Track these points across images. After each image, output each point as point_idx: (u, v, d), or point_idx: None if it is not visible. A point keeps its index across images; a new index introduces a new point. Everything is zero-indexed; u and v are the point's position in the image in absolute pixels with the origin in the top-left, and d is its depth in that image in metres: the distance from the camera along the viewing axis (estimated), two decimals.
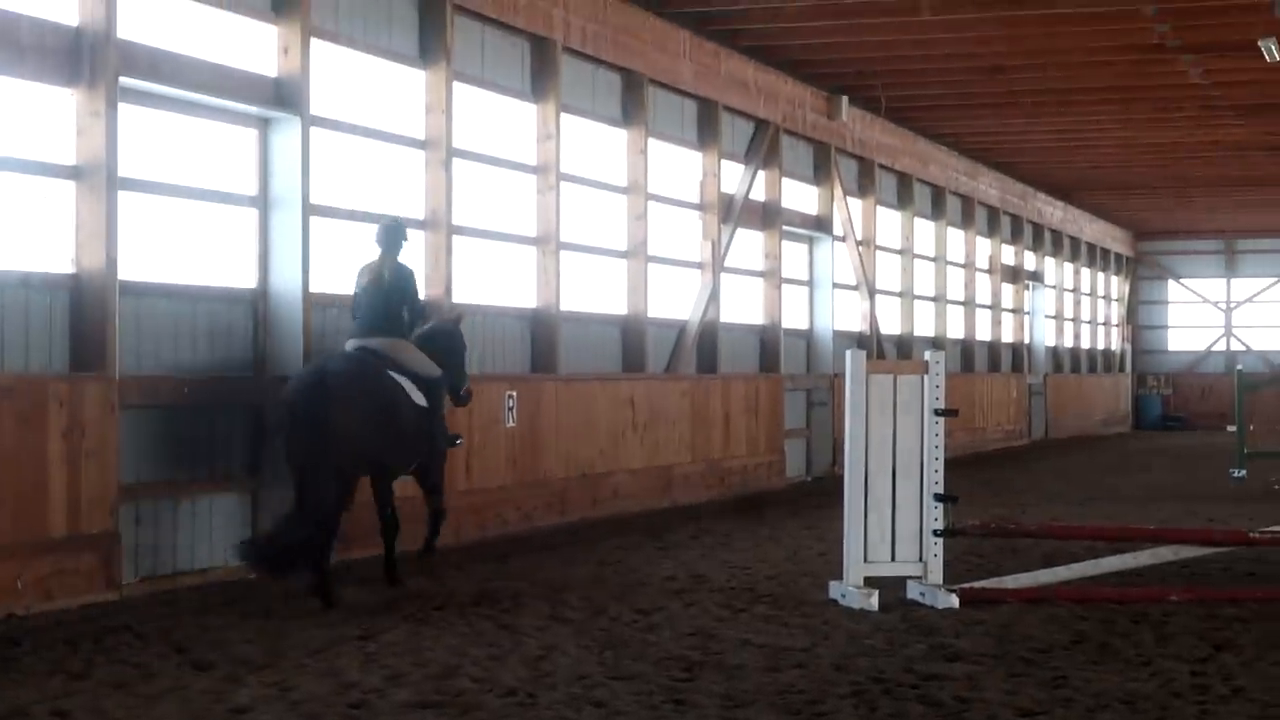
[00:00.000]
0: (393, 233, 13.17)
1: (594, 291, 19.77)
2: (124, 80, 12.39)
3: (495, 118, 17.78)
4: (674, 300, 21.64)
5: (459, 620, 11.15)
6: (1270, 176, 37.24)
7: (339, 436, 11.83)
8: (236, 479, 13.58)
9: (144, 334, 12.86)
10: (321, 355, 13.31)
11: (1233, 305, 52.10)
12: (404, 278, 13.07)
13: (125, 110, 12.47)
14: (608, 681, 9.06)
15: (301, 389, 11.96)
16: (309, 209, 14.27)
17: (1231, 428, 30.24)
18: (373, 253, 13.26)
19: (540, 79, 18.23)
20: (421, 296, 13.60)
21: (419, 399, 12.82)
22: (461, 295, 16.74)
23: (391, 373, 12.60)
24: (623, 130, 20.23)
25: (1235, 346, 51.67)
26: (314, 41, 14.51)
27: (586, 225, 19.49)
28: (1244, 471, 26.42)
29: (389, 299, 12.93)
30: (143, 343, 12.83)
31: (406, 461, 13.00)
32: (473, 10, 16.91)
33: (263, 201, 14.18)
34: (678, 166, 21.85)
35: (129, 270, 12.57)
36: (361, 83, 15.66)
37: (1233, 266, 52.07)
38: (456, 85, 16.60)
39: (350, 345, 12.82)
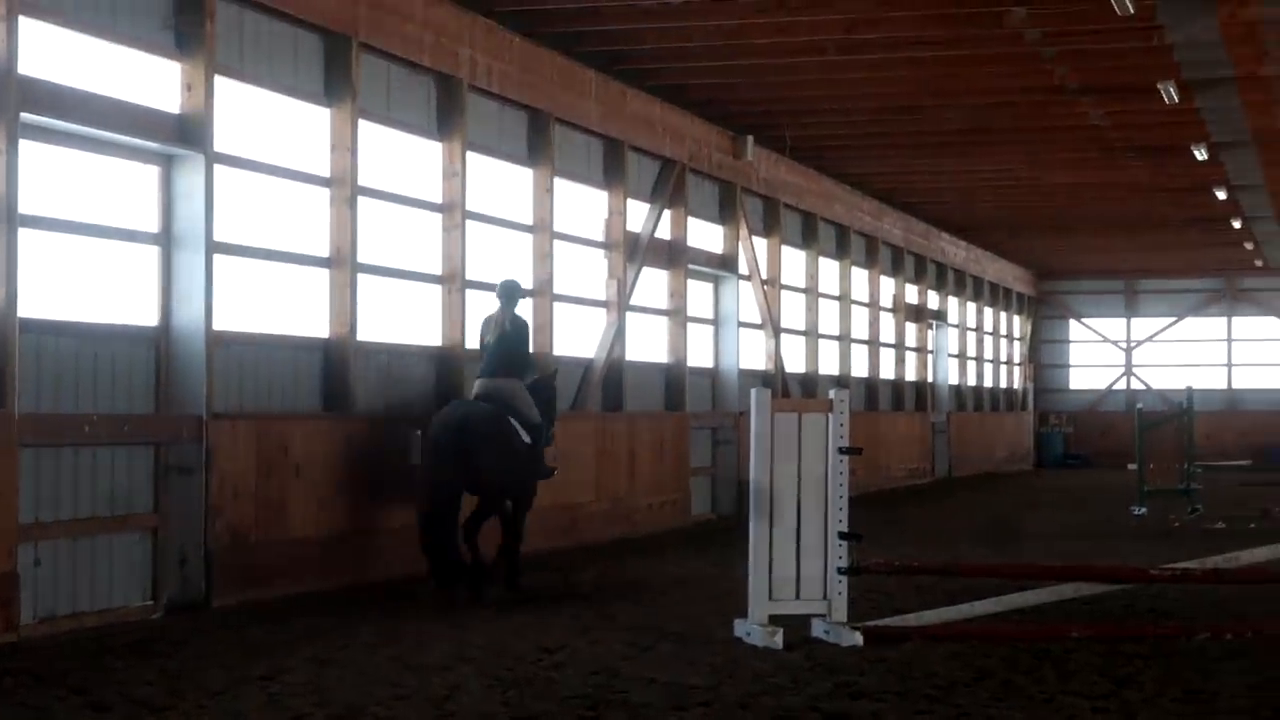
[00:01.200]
0: (511, 290, 15.89)
1: None
2: (25, 116, 12.27)
3: (401, 155, 17.74)
4: (580, 338, 21.63)
5: (363, 660, 11.08)
6: (1170, 218, 37.64)
7: (477, 467, 14.68)
8: (138, 518, 13.46)
9: (44, 372, 12.71)
10: (458, 400, 16.01)
11: (1133, 344, 52.62)
12: (521, 329, 15.72)
13: (26, 147, 12.35)
14: None
15: (448, 426, 14.70)
16: (213, 246, 14.17)
17: (1132, 466, 30.52)
18: (492, 306, 16.00)
19: (446, 117, 18.21)
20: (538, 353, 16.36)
21: (525, 438, 15.34)
22: (367, 334, 16.67)
23: (511, 419, 15.20)
24: (528, 169, 20.23)
25: (1135, 385, 52.15)
26: (218, 78, 14.42)
27: (492, 264, 19.44)
28: (1144, 509, 26.66)
29: (510, 346, 15.53)
30: (43, 381, 12.68)
31: (514, 491, 15.55)
32: (379, 49, 16.88)
33: (165, 239, 14.07)
34: (584, 205, 21.87)
35: (29, 308, 12.42)
36: (266, 120, 15.59)
37: (1133, 306, 52.60)
38: (362, 123, 16.55)
39: (479, 385, 15.47)
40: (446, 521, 14.51)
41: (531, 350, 15.88)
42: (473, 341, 18.38)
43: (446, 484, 14.50)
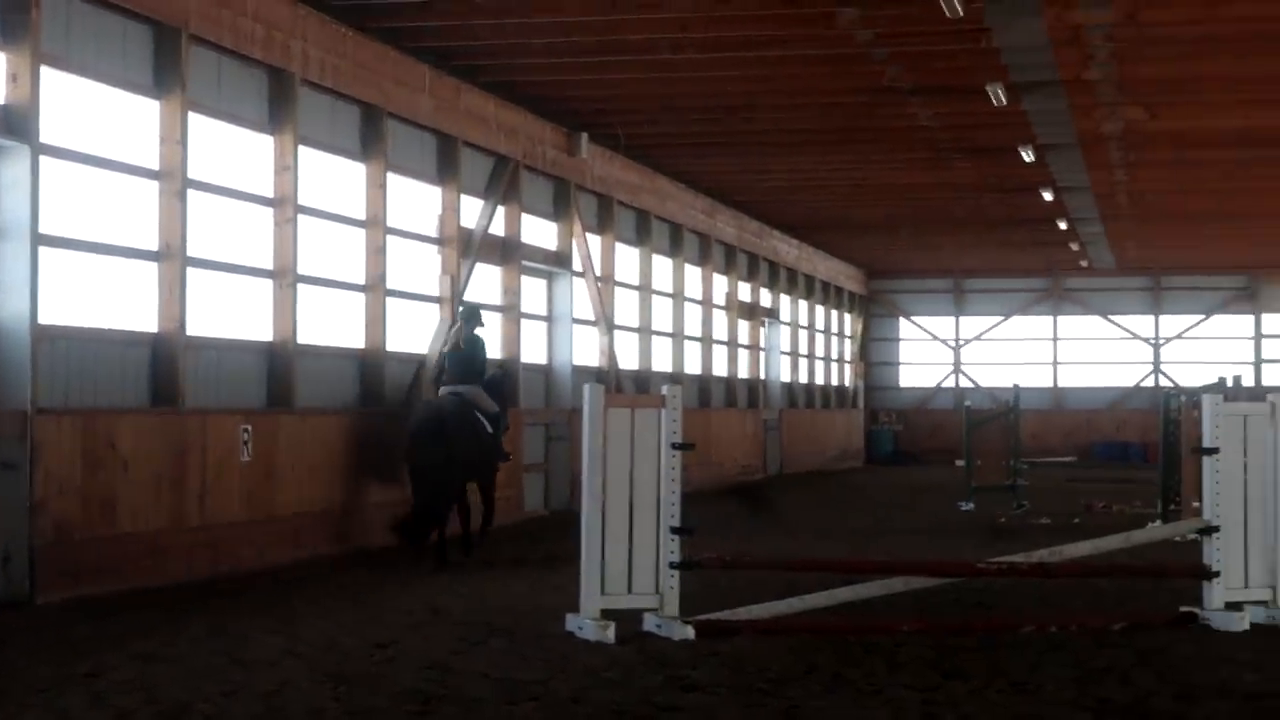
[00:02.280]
0: (472, 313, 19.02)
1: (332, 325, 19.60)
2: None
3: (232, 149, 17.56)
4: (413, 334, 21.53)
5: (191, 656, 10.96)
6: (997, 218, 38.13)
7: (452, 456, 17.51)
8: None
9: None
10: (433, 400, 18.69)
11: (961, 343, 53.31)
12: (478, 345, 18.80)
13: None
14: (343, 717, 8.96)
15: (427, 423, 17.72)
16: (38, 239, 13.95)
17: (960, 462, 30.93)
18: (452, 324, 19.62)
19: (278, 111, 18.05)
20: (489, 357, 19.39)
21: (488, 428, 18.43)
22: (196, 328, 16.49)
23: (476, 412, 18.25)
24: (361, 164, 20.10)
25: (964, 383, 52.82)
26: (44, 69, 14.19)
27: (324, 258, 19.32)
28: (972, 504, 27.05)
29: (467, 358, 18.59)
30: None
31: (483, 472, 18.60)
32: (209, 41, 16.69)
33: None
34: (417, 201, 21.77)
35: None
36: (95, 112, 15.36)
37: (962, 305, 53.27)
38: (192, 116, 16.36)
39: (444, 390, 18.45)
40: (440, 498, 17.42)
41: (487, 358, 19.13)
42: (303, 337, 18.36)
43: (436, 466, 17.33)
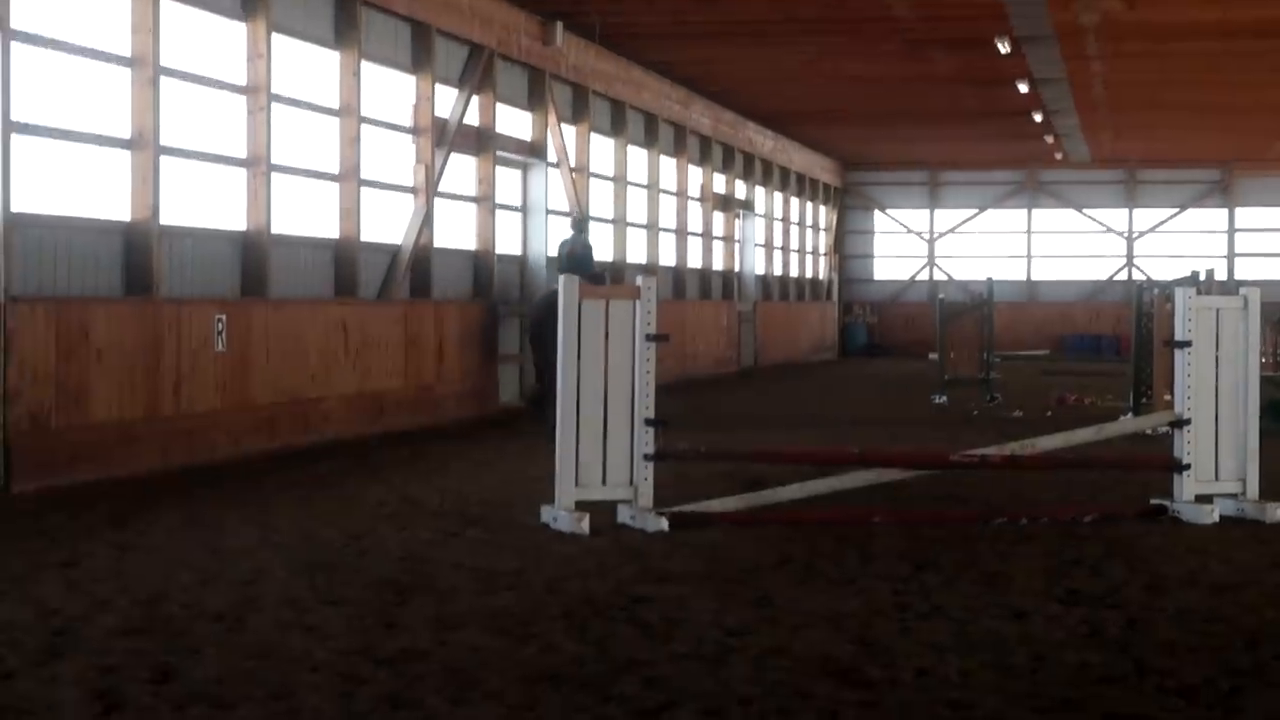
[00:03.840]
0: (580, 223, 24.17)
1: (306, 215, 19.54)
2: None
3: (205, 37, 17.43)
4: (387, 225, 21.48)
5: (166, 545, 10.99)
6: (974, 110, 38.04)
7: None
8: None
9: None
10: (552, 290, 18.92)
11: (936, 236, 53.31)
12: (585, 246, 23.25)
13: None
14: (318, 606, 9.00)
15: (550, 309, 17.59)
16: (10, 126, 13.86)
17: (933, 355, 31.03)
18: (565, 231, 24.54)
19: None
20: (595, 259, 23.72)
21: None
22: (170, 217, 16.43)
23: None
24: (335, 52, 19.98)
25: (938, 276, 52.88)
26: None
27: (298, 148, 19.24)
28: (945, 398, 27.15)
29: (577, 258, 22.47)
30: None
31: None
32: None
33: None
34: (391, 90, 21.65)
35: None
36: None
37: (936, 198, 53.24)
38: (164, 3, 16.22)
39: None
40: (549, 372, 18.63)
41: (595, 262, 23.54)
42: (277, 226, 18.33)
43: (545, 351, 18.85)
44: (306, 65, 19.49)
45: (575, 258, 22.59)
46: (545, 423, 18.10)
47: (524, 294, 26.05)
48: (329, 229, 19.98)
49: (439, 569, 10.22)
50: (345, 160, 20.02)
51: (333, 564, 10.37)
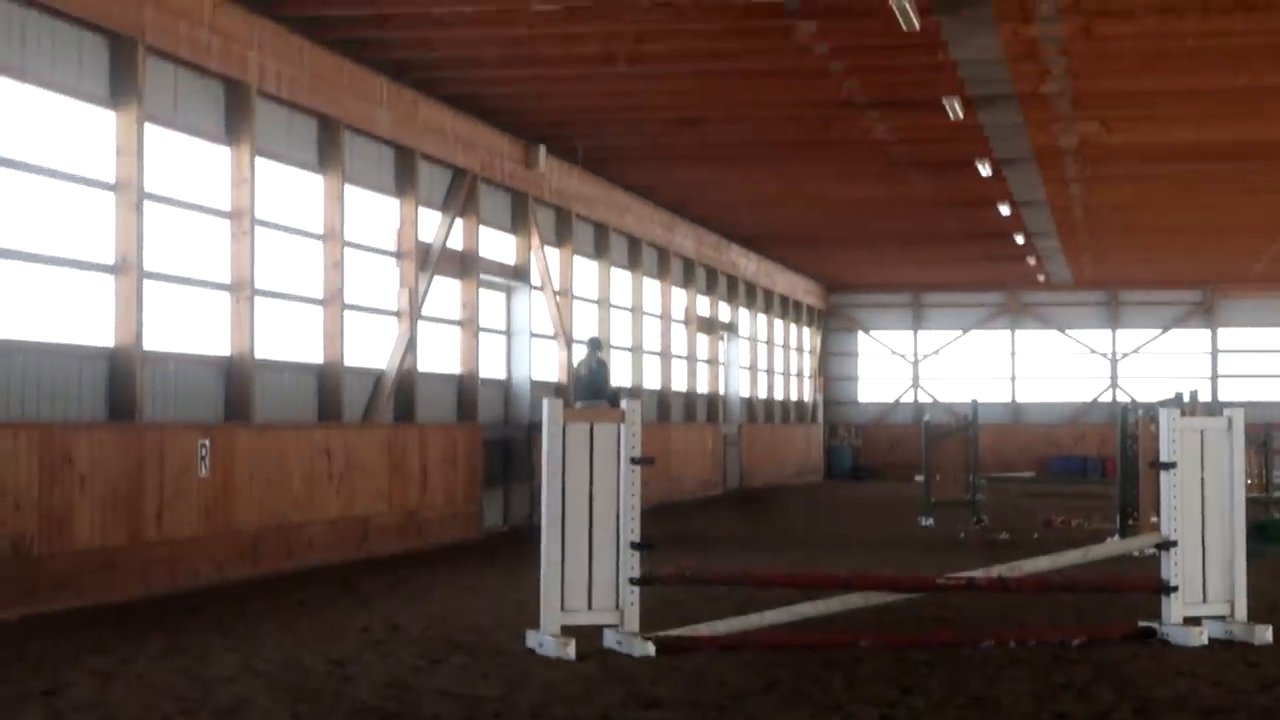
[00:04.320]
0: (595, 343, 26.20)
1: (290, 339, 19.58)
2: None
3: (188, 161, 17.53)
4: (371, 349, 21.52)
5: (148, 673, 10.92)
6: (956, 232, 38.24)
7: None
8: None
9: None
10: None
11: (920, 357, 53.46)
12: (602, 368, 25.21)
13: None
14: None
15: None
16: None
17: (919, 477, 31.03)
18: (580, 352, 26.69)
19: (235, 122, 18.03)
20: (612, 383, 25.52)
21: None
22: (154, 342, 16.45)
23: None
24: (319, 176, 20.09)
25: (922, 398, 52.98)
26: None
27: (282, 272, 19.30)
28: (931, 520, 27.11)
29: (596, 380, 24.56)
30: None
31: None
32: (165, 52, 16.66)
33: None
34: (375, 214, 21.76)
35: None
36: (50, 122, 15.31)
37: (920, 319, 53.44)
38: (149, 127, 16.34)
39: (579, 405, 22.25)
40: None
41: (609, 381, 25.54)
42: (261, 351, 18.36)
43: None
44: (290, 189, 19.60)
45: (592, 378, 24.70)
46: None
47: (508, 417, 26.06)
48: (313, 353, 20.02)
49: (423, 696, 10.16)
50: (329, 284, 20.09)
51: (316, 691, 10.30)
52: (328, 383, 20.10)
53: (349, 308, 20.50)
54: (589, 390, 24.37)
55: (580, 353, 27.40)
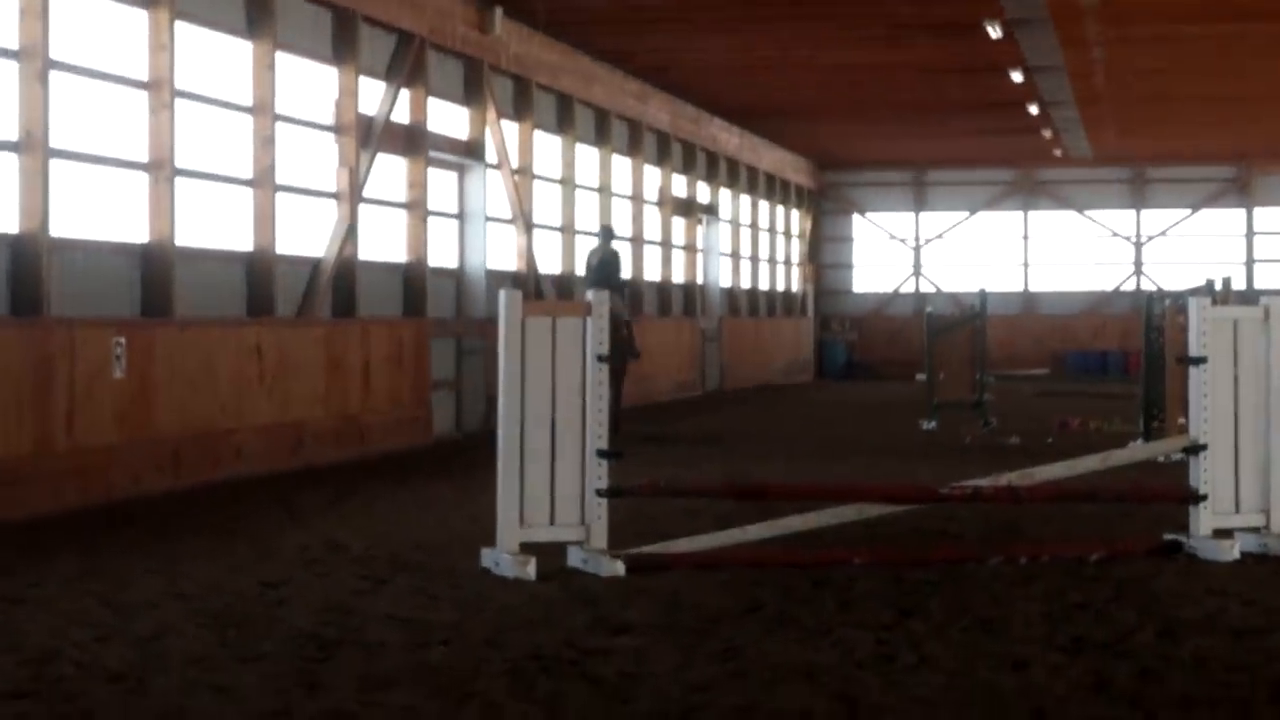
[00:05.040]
0: (607, 232, 26.98)
1: (215, 224, 19.50)
2: None
3: (102, 26, 17.38)
4: (307, 235, 21.44)
5: (59, 598, 10.91)
6: (963, 102, 38.17)
7: (617, 354, 20.71)
8: None
9: None
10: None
11: (922, 242, 53.46)
12: (613, 258, 26.47)
13: None
14: (230, 664, 8.94)
15: None
16: None
17: (921, 376, 31.09)
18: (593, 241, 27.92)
19: None
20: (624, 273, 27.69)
21: (624, 330, 24.41)
22: (62, 227, 16.35)
23: (615, 314, 22.48)
24: (247, 42, 19.94)
25: (924, 287, 53.05)
26: None
27: (206, 149, 19.19)
28: (934, 423, 27.20)
29: (607, 269, 25.87)
30: None
31: (618, 364, 23.48)
32: None
33: None
34: (311, 84, 21.63)
35: None
36: None
37: (922, 200, 53.42)
38: None
39: (589, 294, 21.99)
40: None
41: (622, 274, 27.06)
42: (183, 238, 18.29)
43: None
44: (215, 57, 19.45)
45: (605, 268, 25.80)
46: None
47: (461, 311, 26.03)
48: (241, 240, 19.94)
49: (366, 621, 10.17)
50: (259, 163, 19.97)
51: (247, 616, 10.30)
52: (258, 273, 20.02)
53: (281, 189, 20.40)
54: (601, 278, 25.09)
55: (588, 243, 28.73)
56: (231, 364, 18.82)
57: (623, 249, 29.83)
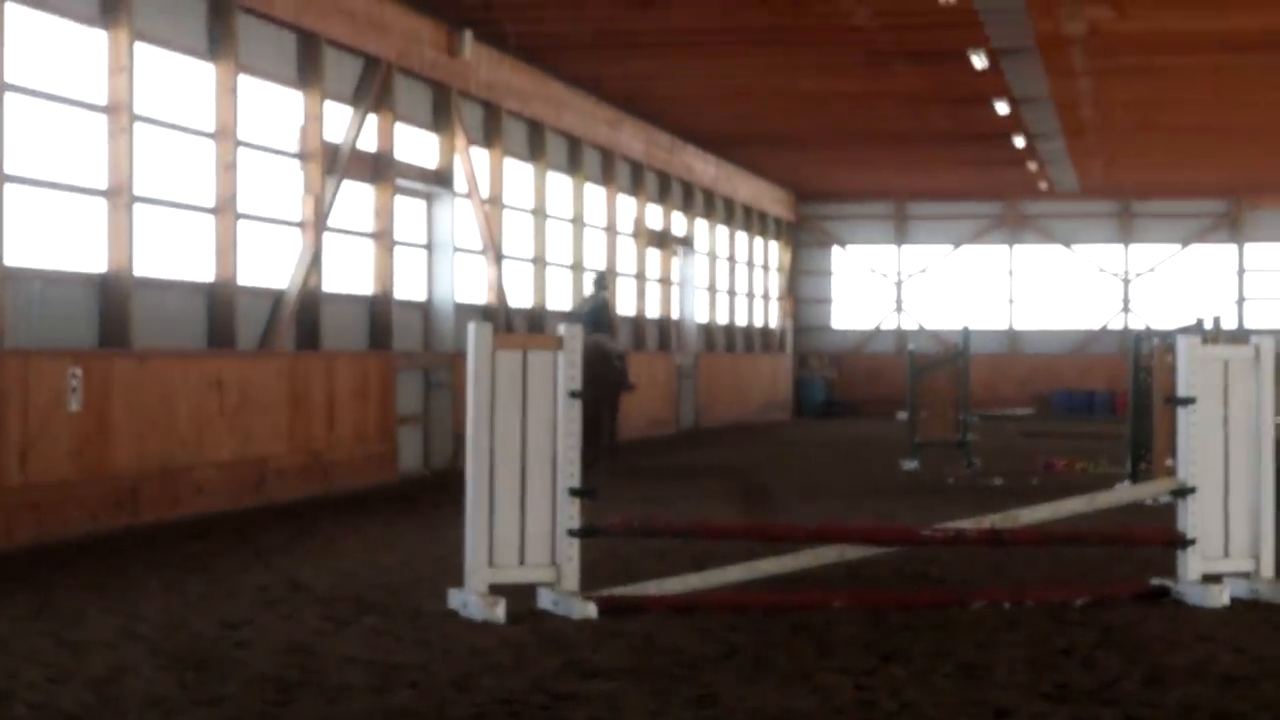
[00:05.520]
0: (600, 281, 27.78)
1: (175, 253, 19.50)
2: None
3: (58, 47, 17.39)
4: (270, 265, 21.45)
5: (12, 637, 10.90)
6: (947, 133, 38.26)
7: (599, 392, 23.58)
8: None
9: None
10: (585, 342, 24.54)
11: (904, 277, 53.52)
12: (603, 304, 27.31)
13: None
14: (188, 707, 8.95)
15: (589, 354, 22.01)
16: None
17: (902, 415, 31.11)
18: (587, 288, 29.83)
19: (111, 2, 17.89)
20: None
21: (617, 364, 26.33)
22: (17, 256, 16.36)
23: (607, 352, 25.86)
24: (209, 64, 19.96)
25: (906, 324, 53.10)
26: None
27: (167, 175, 19.20)
28: (915, 463, 27.22)
29: (597, 314, 26.69)
30: None
31: (613, 401, 26.56)
32: None
33: None
34: (275, 109, 21.66)
35: None
36: None
37: (904, 233, 53.47)
38: (10, 8, 16.20)
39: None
40: (591, 425, 21.84)
41: (613, 313, 28.98)
42: (141, 267, 18.29)
43: (587, 402, 23.31)
44: (176, 80, 19.47)
45: (595, 314, 26.75)
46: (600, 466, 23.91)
47: (429, 344, 26.04)
48: (202, 270, 19.94)
49: (329, 663, 10.17)
50: (221, 190, 19.98)
51: (206, 659, 10.30)
52: (219, 304, 20.02)
53: (244, 217, 20.41)
54: (593, 321, 25.99)
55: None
56: (192, 397, 18.82)
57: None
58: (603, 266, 32.16)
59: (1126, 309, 52.15)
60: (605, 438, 26.05)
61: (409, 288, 25.62)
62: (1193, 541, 12.93)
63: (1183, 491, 13.02)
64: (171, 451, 18.38)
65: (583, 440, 24.20)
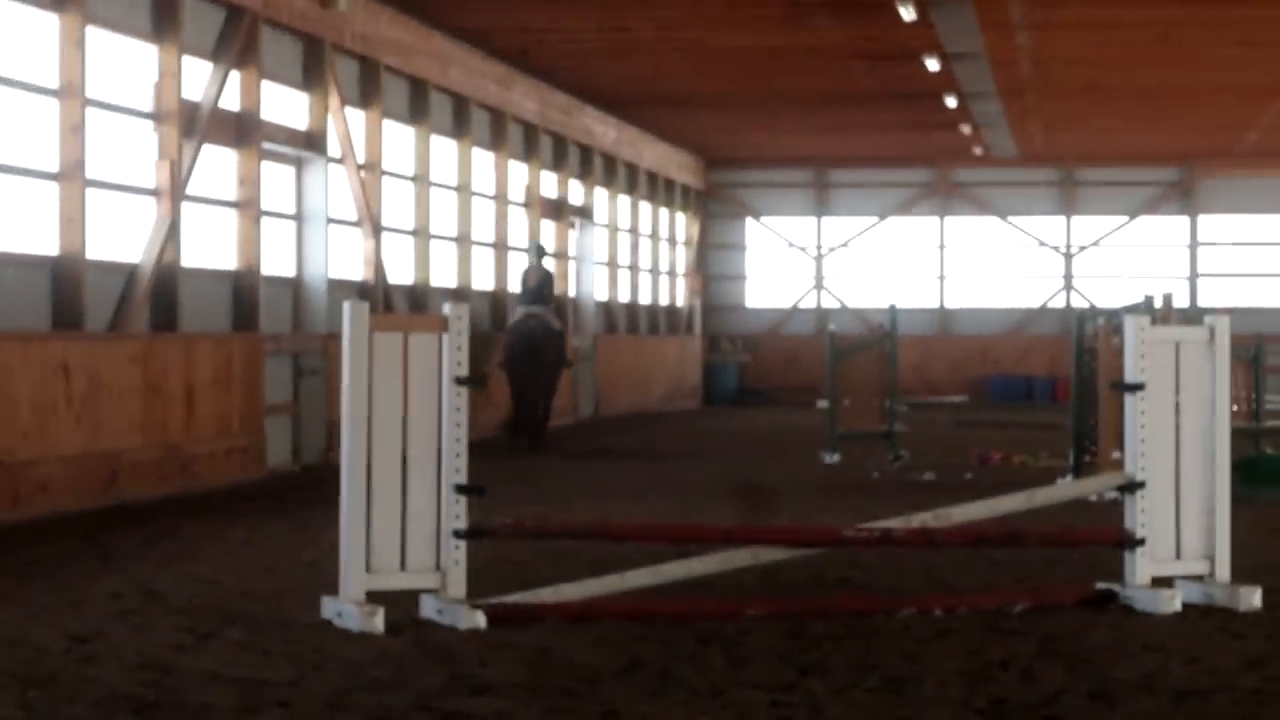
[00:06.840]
0: (539, 250, 30.33)
1: (15, 225, 19.38)
2: None
3: None
4: (122, 237, 21.34)
5: None
6: (871, 92, 38.36)
7: (541, 366, 28.49)
8: None
9: None
10: (521, 324, 29.05)
11: (824, 251, 53.66)
12: (547, 277, 29.84)
13: None
14: None
15: (523, 343, 28.61)
16: None
17: (823, 403, 31.21)
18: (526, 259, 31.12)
19: None
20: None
21: (557, 340, 29.34)
22: None
23: (550, 328, 29.06)
24: (53, 15, 19.84)
25: (827, 302, 53.24)
26: None
27: (5, 138, 19.07)
28: (837, 455, 27.30)
29: (541, 287, 29.41)
30: None
31: (554, 378, 29.44)
32: None
33: None
34: (127, 64, 21.53)
35: None
36: None
37: (825, 204, 53.62)
38: None
39: (521, 310, 29.26)
40: (538, 399, 28.76)
41: (553, 285, 31.15)
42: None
43: (531, 376, 27.82)
44: (15, 32, 19.34)
45: (535, 285, 29.21)
46: (524, 444, 28.62)
47: (299, 325, 25.95)
48: (45, 243, 19.82)
49: (189, 681, 10.14)
50: (67, 154, 19.86)
51: (52, 675, 10.25)
52: (64, 281, 19.91)
53: (92, 184, 20.29)
54: (535, 295, 29.14)
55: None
56: (34, 385, 18.69)
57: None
58: (530, 237, 34.09)
59: (1069, 286, 52.46)
60: (540, 414, 29.17)
61: (277, 263, 25.53)
62: (1141, 542, 13.02)
63: (1131, 486, 13.11)
64: (11, 444, 18.26)
65: (512, 413, 28.72)
